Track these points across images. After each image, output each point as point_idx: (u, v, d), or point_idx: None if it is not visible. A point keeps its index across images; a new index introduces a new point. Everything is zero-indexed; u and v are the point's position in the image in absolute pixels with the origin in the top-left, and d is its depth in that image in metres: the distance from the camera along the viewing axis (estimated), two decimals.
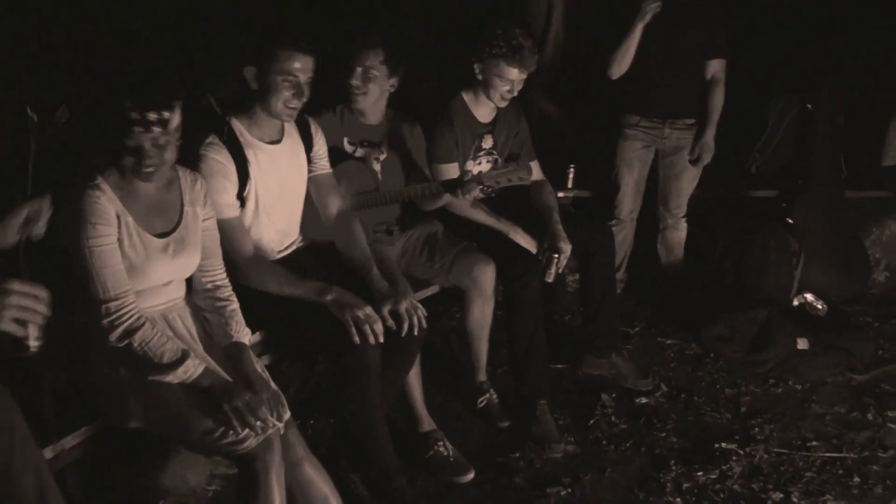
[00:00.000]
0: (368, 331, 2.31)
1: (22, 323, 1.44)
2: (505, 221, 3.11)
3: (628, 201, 3.87)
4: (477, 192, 2.81)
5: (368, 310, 2.36)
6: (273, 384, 2.15)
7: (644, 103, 3.70)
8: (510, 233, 3.10)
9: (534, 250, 3.08)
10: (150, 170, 1.98)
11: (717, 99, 3.69)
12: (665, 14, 3.44)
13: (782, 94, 4.43)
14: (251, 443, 1.97)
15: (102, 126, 1.95)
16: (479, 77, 3.08)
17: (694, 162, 3.79)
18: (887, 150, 4.57)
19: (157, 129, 1.92)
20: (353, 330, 2.30)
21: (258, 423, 1.97)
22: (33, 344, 1.47)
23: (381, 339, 2.34)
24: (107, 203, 1.97)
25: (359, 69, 2.83)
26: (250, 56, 2.42)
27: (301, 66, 2.38)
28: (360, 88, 2.86)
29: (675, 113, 3.71)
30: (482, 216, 3.11)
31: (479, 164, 3.21)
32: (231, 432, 1.96)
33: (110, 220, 1.98)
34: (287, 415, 2.10)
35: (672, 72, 3.62)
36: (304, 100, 2.43)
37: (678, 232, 4.03)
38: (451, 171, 3.03)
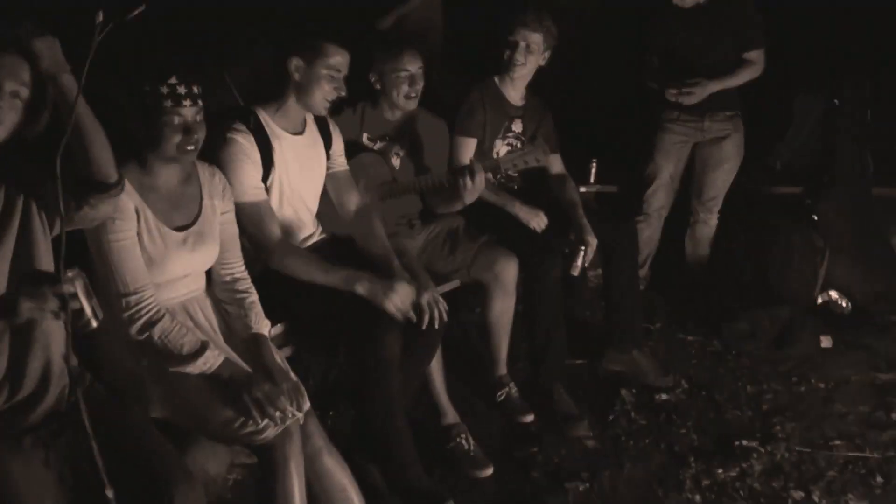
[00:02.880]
0: (401, 315, 2.35)
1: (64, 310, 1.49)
2: (504, 194, 3.11)
3: (660, 196, 3.84)
4: (488, 176, 2.81)
5: (402, 292, 2.37)
6: (293, 375, 2.17)
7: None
8: (508, 205, 3.10)
9: (534, 222, 3.07)
10: (192, 147, 2.01)
11: (746, 71, 3.64)
12: (698, 26, 3.42)
13: (808, 89, 4.38)
14: (270, 433, 1.99)
15: (139, 113, 1.96)
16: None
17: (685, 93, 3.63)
18: None
19: (187, 103, 1.96)
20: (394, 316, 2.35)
21: (277, 413, 1.99)
22: (92, 321, 1.56)
23: (414, 319, 2.38)
24: (126, 198, 1.95)
25: (415, 72, 2.87)
26: (292, 48, 2.44)
27: (344, 62, 2.44)
28: (413, 91, 2.90)
29: (714, 106, 3.69)
30: (484, 193, 3.10)
31: (507, 143, 3.22)
32: (251, 422, 1.98)
33: (129, 215, 1.99)
34: (307, 405, 2.11)
35: (708, 74, 3.59)
36: (343, 94, 2.47)
37: (707, 227, 4.01)
38: (469, 145, 3.09)
